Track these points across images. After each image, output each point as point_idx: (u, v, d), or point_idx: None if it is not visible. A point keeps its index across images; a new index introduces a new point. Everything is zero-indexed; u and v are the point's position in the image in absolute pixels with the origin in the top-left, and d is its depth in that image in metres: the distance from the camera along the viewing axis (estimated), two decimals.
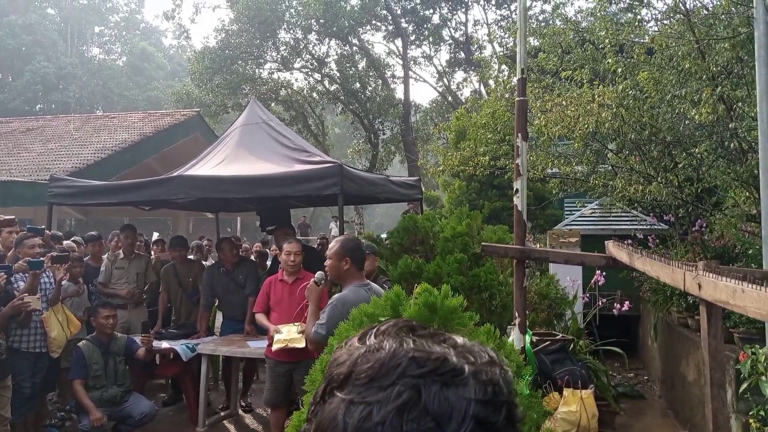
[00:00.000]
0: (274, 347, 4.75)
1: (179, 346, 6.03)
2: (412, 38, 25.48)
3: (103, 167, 11.60)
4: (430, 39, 25.21)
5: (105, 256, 7.01)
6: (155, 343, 5.89)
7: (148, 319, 7.00)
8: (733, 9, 5.10)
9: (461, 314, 2.90)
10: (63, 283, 5.54)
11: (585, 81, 6.19)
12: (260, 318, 5.20)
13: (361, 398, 0.61)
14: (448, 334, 0.69)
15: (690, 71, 5.05)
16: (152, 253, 7.81)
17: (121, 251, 6.87)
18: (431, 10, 24.44)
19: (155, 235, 9.77)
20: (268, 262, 8.87)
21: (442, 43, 25.43)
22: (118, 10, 51.76)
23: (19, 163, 12.04)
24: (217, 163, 6.18)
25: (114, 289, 6.66)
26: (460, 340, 0.69)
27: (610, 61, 5.70)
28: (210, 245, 9.97)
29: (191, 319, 6.79)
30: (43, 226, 6.25)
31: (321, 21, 22.15)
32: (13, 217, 5.64)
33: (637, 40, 6.63)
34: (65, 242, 7.26)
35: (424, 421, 0.59)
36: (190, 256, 7.82)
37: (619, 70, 5.66)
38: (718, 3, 4.98)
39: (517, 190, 4.35)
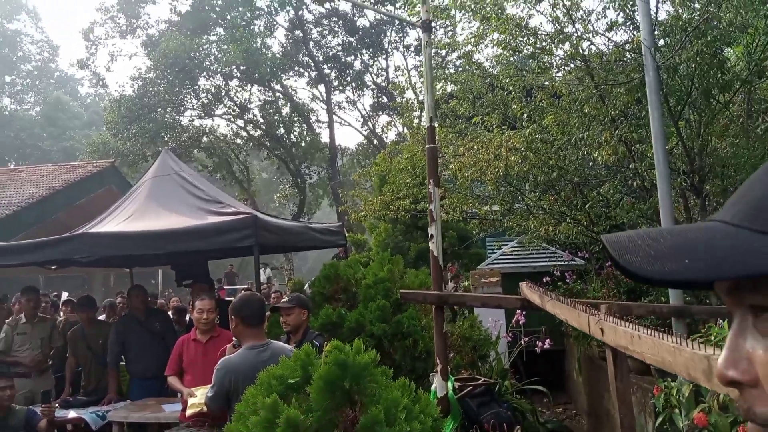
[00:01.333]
0: (188, 412, 4.49)
1: (88, 414, 5.62)
2: (336, 84, 25.81)
3: (8, 224, 10.94)
4: (353, 84, 25.61)
5: (7, 321, 6.51)
6: (62, 413, 5.47)
7: (55, 387, 6.53)
8: (627, 56, 5.40)
9: (374, 370, 2.82)
10: None
11: (495, 125, 6.37)
12: (172, 381, 4.93)
13: None
14: None
15: (591, 115, 5.27)
16: (61, 314, 7.33)
17: (23, 315, 6.41)
18: (353, 57, 24.89)
19: (64, 295, 9.22)
20: (188, 317, 8.50)
21: (365, 88, 25.88)
22: (30, 59, 49.90)
23: None
24: (125, 218, 5.91)
25: (16, 357, 6.18)
26: None
27: (515, 107, 5.89)
28: (124, 302, 9.48)
29: (101, 384, 6.35)
30: None
31: (242, 68, 22.10)
32: None
33: (545, 83, 6.92)
34: None
35: None
36: (101, 317, 7.38)
37: (525, 115, 5.86)
38: (613, 50, 5.25)
39: (431, 235, 4.36)
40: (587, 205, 5.72)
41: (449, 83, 7.91)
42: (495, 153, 5.76)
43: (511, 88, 5.92)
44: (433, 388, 4.41)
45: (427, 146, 4.31)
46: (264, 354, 3.46)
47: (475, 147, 6.16)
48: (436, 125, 6.64)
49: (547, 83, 5.60)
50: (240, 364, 3.41)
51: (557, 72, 6.14)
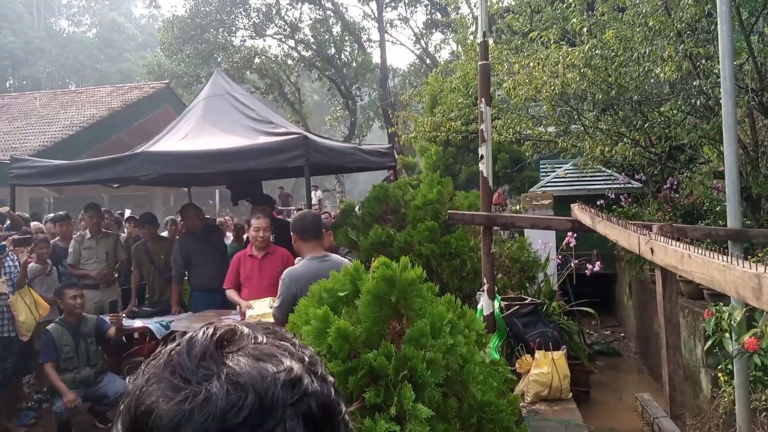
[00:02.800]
0: None
1: (153, 324, 5.99)
2: (388, 0, 25.00)
3: (72, 144, 11.35)
4: (406, 0, 24.75)
5: (73, 237, 6.89)
6: (129, 322, 5.85)
7: (122, 298, 6.94)
8: None
9: (420, 286, 2.87)
10: (29, 265, 5.45)
11: (553, 41, 6.09)
12: (231, 294, 5.15)
13: None
14: (250, 336, 0.63)
15: (655, 28, 4.97)
16: (125, 230, 7.68)
17: (88, 231, 6.75)
18: None
19: (127, 212, 9.61)
20: (245, 236, 8.79)
21: (417, 4, 24.98)
22: None
23: None
24: (181, 137, 6.04)
25: (84, 270, 6.56)
26: (273, 342, 0.63)
27: (575, 20, 5.59)
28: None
29: (164, 296, 6.72)
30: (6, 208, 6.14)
31: None
32: None
33: None
34: (33, 224, 7.14)
35: None
36: (163, 233, 7.71)
37: (585, 30, 5.56)
38: None
39: (482, 156, 4.30)
40: (646, 125, 5.48)
41: None
42: (552, 70, 5.53)
43: (572, 0, 5.60)
44: (479, 306, 4.48)
45: (479, 63, 4.18)
46: (324, 263, 3.61)
47: (531, 64, 5.92)
48: (491, 42, 6.41)
49: None
50: (303, 273, 3.59)
51: None
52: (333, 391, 0.63)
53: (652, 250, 2.35)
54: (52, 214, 8.01)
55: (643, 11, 5.03)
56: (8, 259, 5.21)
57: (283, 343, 0.64)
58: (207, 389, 0.56)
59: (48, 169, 6.28)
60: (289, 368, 0.60)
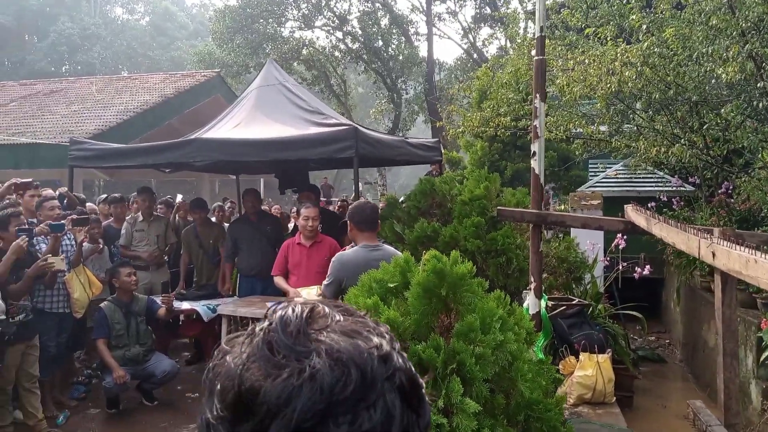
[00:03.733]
0: None
1: (200, 306, 6.14)
2: None
3: (126, 129, 11.67)
4: None
5: (126, 219, 7.09)
6: (177, 304, 6.01)
7: (170, 280, 7.12)
8: None
9: (470, 281, 2.87)
10: (83, 244, 5.64)
11: (609, 38, 5.96)
12: (279, 281, 5.25)
13: (360, 428, 0.57)
14: (330, 316, 0.65)
15: (718, 27, 4.82)
16: (177, 216, 7.88)
17: (140, 214, 6.94)
18: None
19: (179, 197, 9.85)
20: (290, 225, 8.91)
21: None
22: None
23: (44, 126, 12.17)
24: (233, 125, 6.16)
25: (135, 251, 6.75)
26: (357, 319, 0.65)
27: (634, 17, 5.46)
28: (233, 207, 10.03)
29: (212, 280, 6.88)
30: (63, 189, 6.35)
31: None
32: (32, 179, 5.71)
33: None
34: (88, 205, 7.37)
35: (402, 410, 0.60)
36: (212, 218, 7.88)
37: (645, 26, 5.43)
38: None
39: (534, 152, 4.26)
40: (704, 127, 5.33)
41: None
42: (608, 67, 5.42)
43: None
44: (525, 304, 4.44)
45: (535, 57, 4.13)
46: (375, 253, 3.75)
47: (586, 61, 5.82)
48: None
49: None
50: (352, 259, 3.80)
51: None
52: (412, 366, 0.64)
53: (713, 254, 2.29)
54: (104, 195, 8.25)
55: (705, 9, 4.87)
56: (65, 238, 5.40)
57: (362, 320, 0.65)
58: (311, 365, 0.57)
59: (106, 152, 6.48)
60: (378, 344, 0.61)
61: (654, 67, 5.31)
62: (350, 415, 0.56)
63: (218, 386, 0.60)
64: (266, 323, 0.64)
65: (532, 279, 4.31)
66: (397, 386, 0.60)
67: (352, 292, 3.09)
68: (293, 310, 0.64)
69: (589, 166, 10.18)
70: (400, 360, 0.63)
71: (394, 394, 0.59)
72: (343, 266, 3.81)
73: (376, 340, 0.62)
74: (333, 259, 3.97)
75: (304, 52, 24.20)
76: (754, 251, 1.97)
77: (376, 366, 0.59)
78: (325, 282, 3.94)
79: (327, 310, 0.65)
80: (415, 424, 0.60)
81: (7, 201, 5.31)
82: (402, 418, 0.59)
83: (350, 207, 4.15)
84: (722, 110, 5.11)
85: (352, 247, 4.09)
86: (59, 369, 5.62)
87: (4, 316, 4.55)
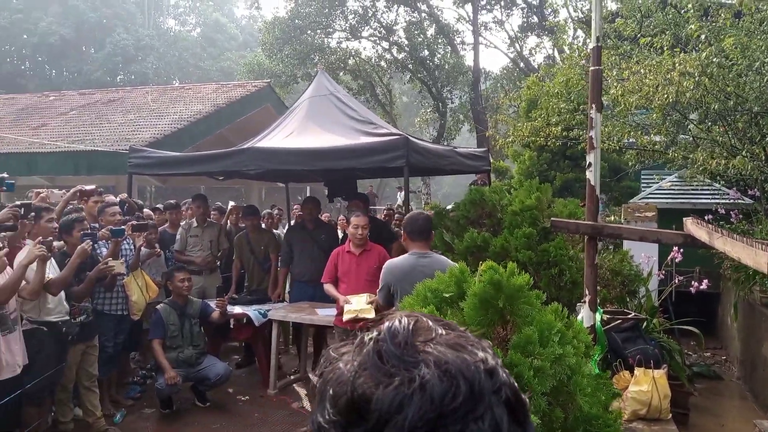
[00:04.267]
0: (345, 317, 4.86)
1: (251, 311, 6.26)
2: (483, 2, 24.78)
3: (179, 137, 12.00)
4: (502, 3, 24.46)
5: (181, 225, 7.28)
6: (229, 308, 6.13)
7: (222, 285, 7.27)
8: None
9: (528, 292, 2.85)
10: (141, 249, 5.82)
11: (665, 48, 5.85)
12: (329, 288, 5.30)
13: None
14: (433, 329, 0.66)
15: None
16: (228, 222, 8.06)
17: (194, 219, 7.12)
18: None
19: (231, 203, 10.07)
20: (339, 233, 9.00)
21: (514, 7, 24.63)
22: None
23: (102, 134, 12.62)
24: (286, 135, 6.28)
25: (189, 256, 6.92)
26: (459, 334, 0.66)
27: (692, 26, 5.35)
28: (281, 214, 10.19)
29: (263, 285, 7.00)
30: (123, 195, 6.57)
31: None
32: (95, 186, 5.93)
33: (723, 2, 6.19)
34: (146, 211, 7.60)
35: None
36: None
37: (703, 36, 5.30)
38: None
39: (590, 163, 4.20)
40: (767, 139, 5.16)
41: (614, 0, 7.32)
42: (665, 77, 5.31)
43: (690, 5, 5.36)
44: (579, 317, 4.38)
45: (591, 68, 4.08)
46: (422, 260, 3.87)
47: (642, 70, 5.72)
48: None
49: (733, 1, 4.99)
50: (399, 265, 3.97)
51: None
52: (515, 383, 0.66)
53: None
54: (160, 205, 8.47)
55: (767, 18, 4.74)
56: (125, 242, 5.58)
57: (463, 335, 0.67)
58: (420, 375, 0.59)
59: (163, 160, 6.68)
60: (484, 358, 0.63)
61: (713, 77, 5.18)
62: (459, 425, 0.58)
63: (330, 392, 0.63)
64: (375, 333, 0.66)
65: (587, 291, 4.24)
66: (504, 400, 0.61)
67: (407, 301, 3.11)
68: (400, 322, 0.66)
69: (642, 177, 9.96)
70: (505, 375, 0.64)
71: (502, 409, 0.60)
72: (391, 272, 3.98)
73: (481, 354, 0.63)
74: (384, 265, 4.14)
75: (351, 62, 24.45)
76: None
77: (483, 379, 0.60)
78: (379, 288, 4.13)
79: (430, 323, 0.67)
80: None
81: (71, 206, 5.53)
82: (509, 431, 0.60)
83: (405, 217, 4.26)
84: None
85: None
86: (116, 369, 5.80)
87: (67, 317, 4.74)
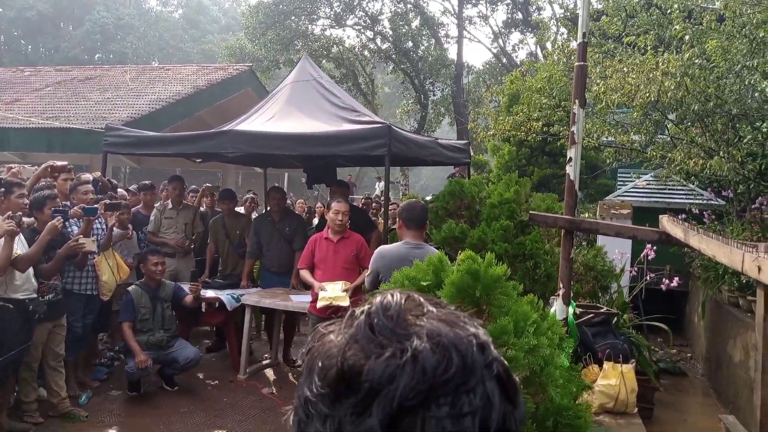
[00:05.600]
0: (319, 304, 4.83)
1: (224, 295, 6.20)
2: None
3: (157, 118, 11.78)
4: None
5: (156, 206, 7.17)
6: (202, 292, 6.06)
7: (196, 269, 7.19)
8: None
9: (504, 283, 2.86)
10: (113, 229, 5.71)
11: (649, 47, 5.89)
12: (305, 274, 5.27)
13: (461, 411, 0.57)
14: (425, 305, 0.65)
15: (764, 40, 4.73)
16: (204, 205, 7.97)
17: (170, 201, 7.01)
18: None
19: (205, 185, 9.96)
20: (315, 220, 8.95)
21: (499, 3, 24.66)
22: None
23: (77, 111, 12.34)
24: (267, 119, 6.20)
25: (163, 238, 6.83)
26: (450, 311, 0.65)
27: (677, 27, 5.39)
28: (257, 199, 10.10)
29: (237, 270, 6.94)
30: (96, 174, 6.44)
31: None
32: (66, 163, 5.80)
33: (707, 5, 6.26)
34: (120, 190, 7.47)
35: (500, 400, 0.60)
36: (241, 209, 7.95)
37: (687, 37, 5.35)
38: None
39: (570, 158, 4.23)
40: (745, 141, 5.24)
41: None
42: (648, 76, 5.36)
43: (675, 6, 5.40)
44: (552, 310, 4.41)
45: (576, 63, 4.10)
46: (415, 251, 3.80)
47: (625, 69, 5.76)
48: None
49: (717, 4, 5.04)
50: (390, 253, 3.93)
51: None
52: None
53: (759, 268, 2.25)
54: (134, 186, 8.34)
55: (752, 21, 4.79)
56: (97, 222, 5.47)
57: (454, 312, 0.66)
58: (412, 347, 0.58)
59: (140, 140, 6.56)
60: (476, 333, 0.62)
61: (694, 78, 5.24)
62: (451, 397, 0.57)
63: (319, 364, 0.61)
64: (366, 307, 0.65)
65: (561, 285, 4.27)
66: (495, 375, 0.60)
67: (384, 289, 3.09)
68: (392, 297, 0.65)
69: (619, 175, 10.08)
70: (496, 351, 0.63)
71: (493, 383, 0.59)
72: (382, 259, 3.92)
73: (473, 329, 0.62)
74: (375, 251, 4.08)
75: (334, 49, 24.28)
76: None
77: (475, 353, 0.59)
78: (366, 273, 4.15)
79: (422, 299, 0.66)
80: (511, 415, 0.61)
81: (44, 183, 5.40)
82: (500, 406, 0.59)
83: (402, 205, 4.25)
84: (763, 124, 5.02)
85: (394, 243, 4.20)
86: (84, 350, 5.70)
87: (35, 295, 4.63)
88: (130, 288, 5.64)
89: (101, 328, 6.23)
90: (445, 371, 0.57)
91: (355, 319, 0.64)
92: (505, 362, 0.63)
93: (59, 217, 4.67)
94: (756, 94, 5.14)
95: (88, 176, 5.84)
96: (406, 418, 0.56)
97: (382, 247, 4.10)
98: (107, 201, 5.56)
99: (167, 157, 9.44)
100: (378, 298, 0.65)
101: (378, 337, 0.60)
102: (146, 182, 7.48)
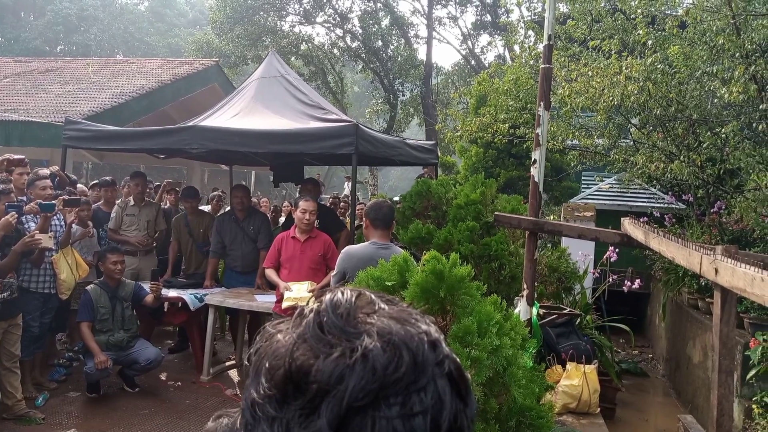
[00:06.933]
0: (284, 305, 4.78)
1: (187, 295, 6.08)
2: None
3: (120, 112, 11.54)
4: None
5: (117, 203, 7.00)
6: (164, 291, 5.94)
7: (158, 267, 7.04)
8: None
9: (468, 284, 2.86)
10: (72, 226, 5.56)
11: (613, 52, 5.99)
12: (270, 273, 5.20)
13: (411, 410, 0.55)
14: (376, 303, 0.64)
15: (723, 48, 4.85)
16: (168, 202, 7.81)
17: (131, 198, 6.86)
18: None
19: (165, 181, 9.77)
20: (281, 219, 8.86)
21: (468, 4, 24.83)
22: None
23: (37, 104, 12.00)
24: (232, 115, 6.11)
25: (124, 236, 6.67)
26: (402, 308, 0.64)
27: (641, 32, 5.49)
28: (225, 196, 9.97)
29: (200, 269, 6.82)
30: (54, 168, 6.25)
31: None
32: (23, 156, 5.62)
33: (670, 12, 6.39)
34: (79, 186, 7.28)
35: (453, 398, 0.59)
36: (206, 207, 7.82)
37: (650, 42, 5.45)
38: None
39: (535, 160, 4.27)
40: (704, 146, 5.37)
41: (565, 3, 7.45)
42: (612, 80, 5.44)
43: (639, 11, 5.49)
44: (516, 311, 4.44)
45: (542, 66, 4.13)
46: (382, 251, 3.77)
47: (590, 72, 5.84)
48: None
49: (679, 11, 5.15)
50: (358, 253, 3.89)
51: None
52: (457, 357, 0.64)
53: (716, 270, 2.30)
54: (95, 181, 8.15)
55: (712, 29, 4.91)
56: (55, 218, 5.32)
57: (406, 309, 0.65)
58: (362, 345, 0.57)
59: (101, 134, 6.40)
60: (427, 331, 0.61)
61: (656, 83, 5.34)
62: (401, 396, 0.55)
63: (266, 365, 0.60)
64: (315, 305, 0.63)
65: (525, 286, 4.31)
66: (447, 373, 0.59)
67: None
68: (342, 294, 0.64)
69: (583, 178, 10.23)
70: (448, 349, 0.62)
71: (444, 381, 0.58)
72: (349, 259, 3.88)
73: (424, 327, 0.61)
74: (342, 251, 4.04)
75: (303, 47, 24.12)
76: (760, 269, 1.98)
77: (426, 351, 0.58)
78: (332, 273, 4.08)
79: (373, 297, 0.65)
80: (462, 413, 0.60)
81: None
82: (451, 404, 0.58)
83: (369, 204, 4.21)
84: (722, 130, 5.15)
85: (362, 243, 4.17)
86: (41, 350, 5.54)
87: None
88: (88, 287, 5.49)
89: (59, 327, 6.07)
90: (395, 370, 0.56)
91: (304, 318, 0.62)
92: (457, 359, 0.62)
93: (13, 212, 4.53)
94: (715, 100, 5.27)
95: (45, 171, 5.65)
96: (356, 419, 0.54)
97: (349, 247, 4.06)
98: (66, 197, 5.40)
99: (130, 153, 9.23)
100: (328, 296, 0.64)
101: (327, 336, 0.59)
102: (107, 178, 7.30)
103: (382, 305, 0.63)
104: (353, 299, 0.63)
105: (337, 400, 0.55)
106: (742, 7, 5.03)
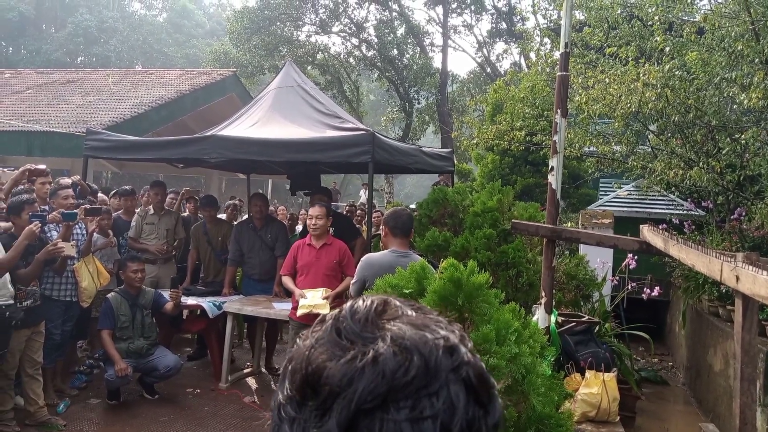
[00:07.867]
0: (299, 312, 4.81)
1: (206, 303, 6.13)
2: (454, 6, 24.94)
3: (140, 122, 11.70)
4: (472, 7, 24.64)
5: (137, 211, 7.10)
6: (183, 299, 6.00)
7: (177, 275, 7.11)
8: None
9: (486, 291, 2.86)
10: (93, 235, 5.64)
11: (630, 58, 5.97)
12: (286, 281, 5.24)
13: (420, 414, 0.56)
14: (401, 309, 0.65)
15: (742, 53, 4.82)
16: (187, 210, 7.89)
17: (151, 207, 6.95)
18: None
19: (184, 189, 9.87)
20: (299, 227, 8.92)
21: (484, 12, 24.85)
22: None
23: (59, 115, 12.21)
24: (250, 124, 6.17)
25: (144, 244, 6.75)
26: (426, 315, 0.65)
27: (658, 38, 5.47)
28: (241, 205, 10.05)
29: (219, 277, 6.88)
30: (77, 177, 6.35)
31: None
32: (44, 166, 5.72)
33: (687, 18, 6.36)
34: (100, 195, 7.39)
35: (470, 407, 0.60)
36: (223, 215, 7.89)
37: (668, 48, 5.43)
38: None
39: (552, 167, 4.26)
40: (724, 153, 5.32)
41: (582, 10, 7.44)
42: (629, 87, 5.42)
43: (656, 18, 5.48)
44: (534, 319, 4.42)
45: (558, 73, 4.13)
46: (401, 259, 3.80)
47: (607, 80, 5.82)
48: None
49: (697, 17, 5.12)
50: (377, 261, 3.92)
51: (706, 4, 5.62)
52: (483, 365, 0.64)
53: (737, 278, 2.28)
54: (115, 189, 8.26)
55: (731, 34, 4.88)
56: (77, 227, 5.40)
57: (434, 317, 0.66)
58: (374, 349, 0.58)
59: (121, 144, 6.49)
60: (446, 336, 0.62)
61: (674, 90, 5.32)
62: (411, 400, 0.56)
63: (289, 368, 0.62)
64: (337, 311, 0.65)
65: (543, 293, 4.29)
66: (463, 378, 0.60)
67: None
68: (364, 302, 0.65)
69: (601, 185, 10.17)
70: (469, 355, 0.63)
71: (459, 386, 0.59)
72: (370, 267, 3.91)
73: (443, 332, 0.62)
74: (362, 259, 4.07)
75: (319, 56, 24.29)
76: None
77: (440, 356, 0.59)
78: (352, 281, 4.12)
79: (399, 304, 0.66)
80: (481, 419, 0.60)
81: (23, 187, 5.32)
82: (466, 410, 0.59)
83: (388, 213, 4.25)
84: (741, 136, 5.11)
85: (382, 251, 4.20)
86: (62, 357, 5.61)
87: (12, 301, 4.55)
88: (109, 295, 5.56)
89: (80, 335, 6.13)
90: (405, 374, 0.57)
91: (324, 323, 0.65)
92: (480, 366, 0.63)
93: (37, 221, 4.60)
94: (734, 106, 5.23)
95: (67, 180, 5.75)
96: (365, 421, 0.56)
97: (369, 255, 4.09)
98: (87, 206, 5.48)
99: (149, 162, 9.35)
100: (349, 303, 0.66)
101: (343, 340, 0.61)
102: (126, 187, 7.40)
103: (409, 311, 0.65)
104: (374, 306, 0.64)
105: (347, 402, 0.56)
106: (761, 13, 4.99)
